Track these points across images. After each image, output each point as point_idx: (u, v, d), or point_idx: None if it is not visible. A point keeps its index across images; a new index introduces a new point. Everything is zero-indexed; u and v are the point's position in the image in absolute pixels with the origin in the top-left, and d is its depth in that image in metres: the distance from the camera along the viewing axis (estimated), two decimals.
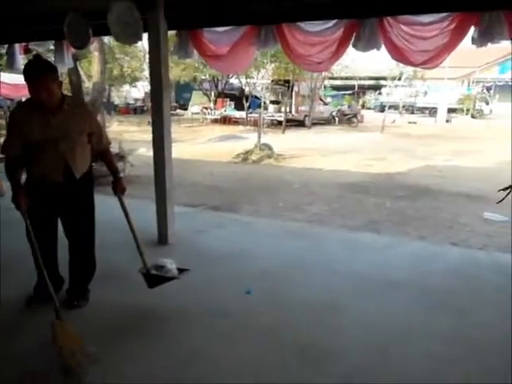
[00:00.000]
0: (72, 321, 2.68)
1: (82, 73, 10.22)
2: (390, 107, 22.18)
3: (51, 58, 5.18)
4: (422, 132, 18.19)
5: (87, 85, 11.03)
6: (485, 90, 27.46)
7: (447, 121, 22.77)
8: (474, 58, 23.54)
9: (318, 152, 12.22)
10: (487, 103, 26.48)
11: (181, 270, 2.85)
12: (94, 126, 2.77)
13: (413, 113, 26.63)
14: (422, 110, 26.75)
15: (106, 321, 2.74)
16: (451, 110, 23.92)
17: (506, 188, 3.63)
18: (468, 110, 25.10)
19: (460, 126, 20.90)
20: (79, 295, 2.91)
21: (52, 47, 5.37)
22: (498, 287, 3.30)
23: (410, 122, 22.27)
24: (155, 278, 2.77)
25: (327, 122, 21.69)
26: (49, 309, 2.45)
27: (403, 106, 25.97)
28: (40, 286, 2.89)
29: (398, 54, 3.53)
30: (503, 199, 3.60)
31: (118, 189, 2.86)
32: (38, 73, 2.46)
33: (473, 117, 24.78)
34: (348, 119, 21.46)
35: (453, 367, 2.32)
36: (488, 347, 2.51)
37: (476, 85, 28.11)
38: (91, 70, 9.40)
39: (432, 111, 24.75)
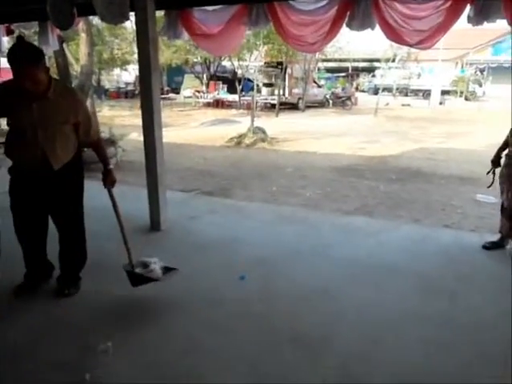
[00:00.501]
0: (63, 308, 2.67)
1: (69, 55, 9.97)
2: (383, 90, 22.07)
3: (36, 39, 5.02)
4: (415, 114, 18.14)
5: (75, 68, 10.80)
6: (478, 72, 27.37)
7: (440, 103, 22.73)
8: (468, 39, 23.46)
9: (312, 135, 12.16)
10: (480, 85, 26.46)
11: (168, 269, 2.78)
12: (82, 116, 2.61)
13: (406, 95, 26.54)
14: (415, 92, 26.66)
15: (97, 310, 2.70)
16: (445, 92, 23.86)
17: (489, 172, 3.69)
18: (461, 92, 25.06)
19: (453, 108, 20.86)
20: (70, 283, 2.87)
21: (37, 28, 5.19)
22: (489, 269, 3.32)
23: (403, 105, 22.22)
24: (138, 277, 2.70)
25: (321, 104, 21.55)
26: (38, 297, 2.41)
27: (397, 89, 25.86)
28: (29, 274, 2.86)
29: (393, 34, 3.44)
30: (492, 183, 3.63)
31: (108, 181, 2.77)
32: (22, 60, 2.32)
33: (466, 99, 24.75)
34: (342, 102, 21.31)
35: (447, 351, 2.32)
36: (480, 331, 2.51)
37: (469, 66, 28.01)
38: (79, 53, 9.17)
39: (426, 93, 24.69)
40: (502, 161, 3.61)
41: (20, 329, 2.48)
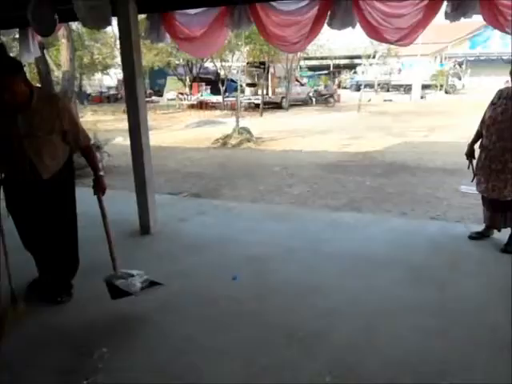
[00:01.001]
0: (57, 316, 2.67)
1: (50, 61, 9.86)
2: (365, 86, 22.35)
3: (16, 47, 4.96)
4: (397, 109, 18.40)
5: (56, 74, 10.69)
6: (457, 66, 27.90)
7: (422, 97, 23.12)
8: (445, 34, 23.86)
9: (297, 133, 12.26)
10: (459, 78, 26.97)
11: (153, 283, 2.68)
12: (68, 124, 2.57)
13: (388, 90, 26.89)
14: (396, 87, 27.04)
15: (91, 315, 2.70)
16: (425, 87, 24.28)
17: (468, 166, 3.75)
18: (442, 86, 25.50)
19: (434, 101, 21.22)
20: (62, 291, 2.86)
21: (17, 35, 5.13)
22: (476, 258, 3.41)
23: (385, 100, 22.52)
24: (115, 289, 2.59)
25: (304, 102, 21.70)
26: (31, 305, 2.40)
27: (378, 85, 26.17)
28: (39, 281, 2.89)
29: (373, 32, 3.50)
30: (474, 175, 3.69)
31: (98, 188, 2.74)
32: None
33: (446, 92, 25.22)
34: (325, 99, 21.51)
35: (439, 338, 2.39)
36: (470, 316, 2.59)
37: (448, 60, 28.52)
38: (60, 59, 9.08)
39: (407, 88, 25.09)
40: (477, 153, 3.66)
41: (15, 337, 2.46)
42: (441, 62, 28.71)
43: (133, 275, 2.64)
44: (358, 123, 14.40)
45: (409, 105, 20.37)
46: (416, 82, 23.91)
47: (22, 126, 2.43)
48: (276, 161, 8.55)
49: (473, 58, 28.61)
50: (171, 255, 3.58)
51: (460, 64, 28.50)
